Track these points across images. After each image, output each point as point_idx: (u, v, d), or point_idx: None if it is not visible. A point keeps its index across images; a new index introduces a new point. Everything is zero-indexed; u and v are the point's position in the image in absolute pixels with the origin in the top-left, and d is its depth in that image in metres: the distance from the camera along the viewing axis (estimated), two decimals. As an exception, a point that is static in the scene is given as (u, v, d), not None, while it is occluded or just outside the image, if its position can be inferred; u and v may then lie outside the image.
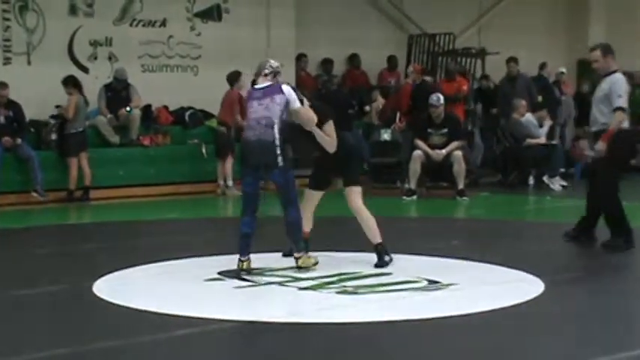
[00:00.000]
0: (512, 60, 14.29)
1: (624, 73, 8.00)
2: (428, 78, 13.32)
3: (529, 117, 13.30)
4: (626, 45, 17.06)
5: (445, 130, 11.86)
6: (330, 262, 7.09)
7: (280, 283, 6.37)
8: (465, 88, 13.62)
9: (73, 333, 5.24)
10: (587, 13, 17.67)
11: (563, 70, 15.88)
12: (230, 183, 12.43)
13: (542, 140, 13.23)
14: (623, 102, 7.62)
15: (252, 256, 6.66)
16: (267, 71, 6.77)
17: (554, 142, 13.59)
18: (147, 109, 12.91)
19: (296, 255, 6.66)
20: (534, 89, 14.25)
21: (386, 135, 13.42)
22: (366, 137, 13.89)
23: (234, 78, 12.39)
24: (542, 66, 15.36)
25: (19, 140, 11.38)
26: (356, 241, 8.32)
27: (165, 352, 4.87)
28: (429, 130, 11.92)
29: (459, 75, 14.02)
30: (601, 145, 7.59)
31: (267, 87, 6.70)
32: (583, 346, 4.98)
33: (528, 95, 13.84)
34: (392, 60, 15.46)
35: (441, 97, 11.87)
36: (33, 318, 5.62)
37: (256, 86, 6.78)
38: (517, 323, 5.36)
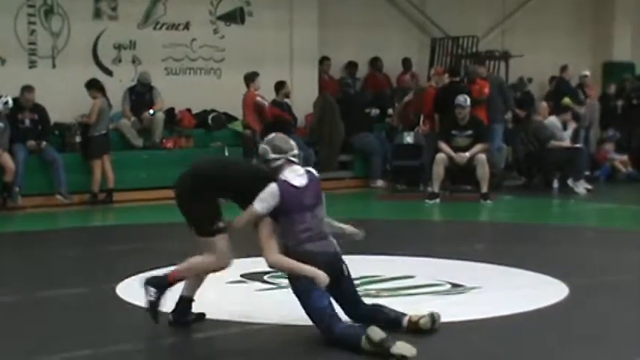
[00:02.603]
0: (477, 61, 13.96)
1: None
2: (455, 79, 13.23)
3: (553, 119, 13.21)
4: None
5: (470, 132, 11.77)
6: (351, 265, 7.07)
7: (302, 286, 6.36)
8: (486, 90, 13.54)
9: (95, 334, 5.26)
10: (613, 14, 17.52)
11: (587, 72, 15.76)
12: (254, 185, 12.42)
13: (567, 143, 13.13)
14: None
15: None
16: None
17: (578, 145, 13.49)
18: (170, 112, 12.96)
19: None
20: (509, 92, 14.04)
21: (409, 138, 13.41)
22: (389, 140, 13.90)
23: (250, 79, 12.41)
24: (563, 69, 15.26)
25: (43, 143, 11.46)
26: (377, 244, 8.31)
27: (187, 354, 4.88)
28: (454, 132, 11.81)
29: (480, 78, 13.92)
30: None
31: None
32: (606, 351, 4.93)
33: (502, 98, 13.46)
34: (406, 62, 15.34)
35: (468, 98, 11.81)
36: (56, 319, 5.65)
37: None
38: (541, 327, 5.32)
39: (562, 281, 6.39)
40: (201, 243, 5.23)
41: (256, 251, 6.75)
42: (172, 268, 5.31)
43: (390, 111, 14.53)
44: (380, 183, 13.65)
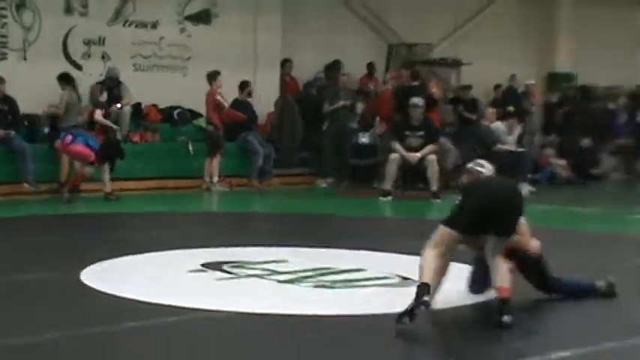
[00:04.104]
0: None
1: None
2: (415, 83, 13.53)
3: (498, 124, 13.67)
4: (594, 56, 17.66)
5: (421, 133, 12.12)
6: (307, 257, 7.31)
7: (260, 276, 6.52)
8: (439, 92, 13.92)
9: (60, 319, 5.30)
10: (556, 27, 18.14)
11: (532, 81, 16.44)
12: (215, 179, 12.76)
13: (511, 147, 13.50)
14: None
15: (236, 249, 6.73)
16: None
17: (522, 149, 13.86)
18: (137, 106, 13.19)
19: None
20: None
21: (364, 138, 13.82)
22: (338, 139, 14.17)
23: (212, 77, 12.72)
24: (512, 77, 15.92)
25: (12, 133, 11.70)
26: (331, 238, 8.63)
27: (148, 338, 5.02)
28: (407, 133, 12.16)
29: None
30: None
31: None
32: (535, 343, 5.10)
33: None
34: (370, 67, 15.71)
35: (422, 99, 12.25)
36: (21, 304, 5.68)
37: None
38: (484, 317, 5.55)
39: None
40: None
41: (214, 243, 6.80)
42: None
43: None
44: (321, 182, 13.83)
